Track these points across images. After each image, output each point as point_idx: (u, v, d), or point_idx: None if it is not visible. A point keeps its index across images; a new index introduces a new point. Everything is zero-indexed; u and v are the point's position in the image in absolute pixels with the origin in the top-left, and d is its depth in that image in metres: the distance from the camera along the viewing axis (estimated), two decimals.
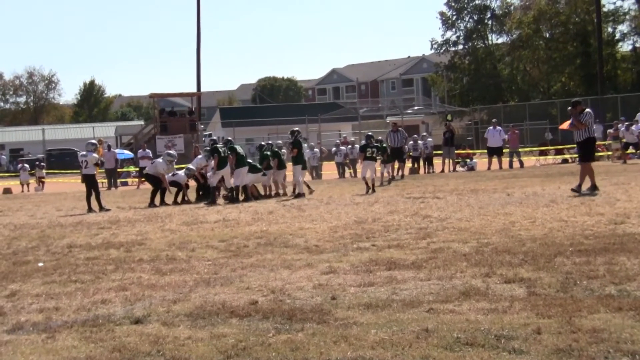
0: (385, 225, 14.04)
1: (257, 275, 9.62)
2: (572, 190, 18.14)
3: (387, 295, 8.02)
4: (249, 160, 24.08)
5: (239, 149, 23.36)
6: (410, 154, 35.16)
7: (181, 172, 24.25)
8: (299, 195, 22.82)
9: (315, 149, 35.03)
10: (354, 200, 20.43)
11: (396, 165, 30.96)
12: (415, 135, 38.14)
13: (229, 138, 26.41)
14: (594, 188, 18.32)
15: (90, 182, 22.40)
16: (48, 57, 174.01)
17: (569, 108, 19.70)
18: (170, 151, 26.12)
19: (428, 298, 7.80)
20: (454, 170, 35.25)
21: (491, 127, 35.19)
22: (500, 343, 6.09)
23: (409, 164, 35.03)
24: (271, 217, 16.97)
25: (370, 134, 25.29)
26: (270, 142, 27.14)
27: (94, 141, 24.15)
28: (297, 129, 25.29)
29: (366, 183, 23.34)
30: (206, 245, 12.74)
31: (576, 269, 8.82)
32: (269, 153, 24.30)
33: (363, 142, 25.36)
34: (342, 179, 33.80)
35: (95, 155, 22.64)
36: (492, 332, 6.38)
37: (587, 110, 19.30)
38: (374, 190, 22.96)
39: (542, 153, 42.71)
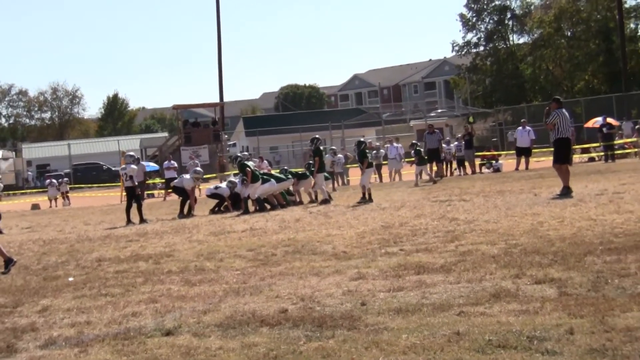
0: (412, 230, 14.00)
1: (286, 283, 9.62)
2: (557, 195, 17.87)
3: (417, 300, 7.99)
4: (274, 172, 24.27)
5: (250, 164, 23.67)
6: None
7: (224, 185, 24.46)
8: (324, 201, 22.81)
9: (340, 155, 34.97)
10: (380, 205, 20.39)
11: (434, 167, 31.38)
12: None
13: (238, 154, 26.61)
14: (567, 190, 17.86)
15: (131, 194, 22.52)
16: (71, 72, 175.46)
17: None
18: (198, 168, 26.32)
19: (458, 301, 7.77)
20: (473, 172, 35.16)
21: (520, 127, 34.99)
22: (532, 344, 6.05)
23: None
24: (298, 225, 16.97)
25: (362, 139, 24.93)
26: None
27: (132, 153, 24.43)
28: (317, 136, 25.30)
29: (364, 192, 22.27)
30: (234, 255, 12.75)
31: (607, 268, 8.76)
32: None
33: (354, 148, 24.60)
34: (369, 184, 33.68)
35: (134, 166, 22.84)
36: (524, 333, 6.33)
37: (558, 110, 18.80)
38: (371, 200, 21.94)
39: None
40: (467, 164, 35.51)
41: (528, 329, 6.47)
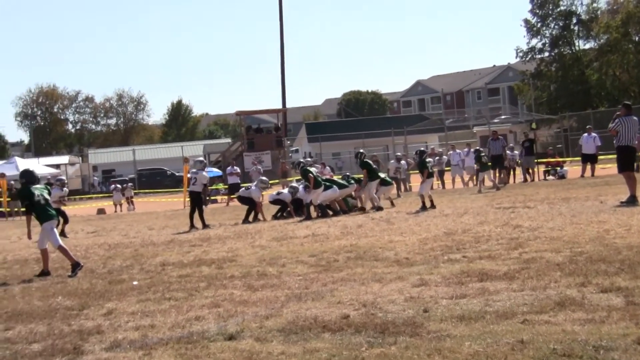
0: (475, 236, 13.88)
1: (348, 289, 9.61)
2: (622, 202, 17.56)
3: (480, 307, 7.91)
4: (336, 179, 24.36)
5: (313, 170, 23.78)
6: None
7: (286, 191, 24.61)
8: (378, 208, 22.85)
9: (402, 162, 34.86)
10: (443, 211, 20.27)
11: (498, 173, 31.36)
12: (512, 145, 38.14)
13: (301, 160, 26.82)
14: (633, 199, 17.49)
15: (195, 199, 22.73)
16: (136, 78, 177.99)
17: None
18: (263, 177, 26.50)
19: (522, 309, 7.67)
20: (532, 179, 34.79)
21: (585, 134, 34.50)
22: (599, 354, 5.95)
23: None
24: (360, 231, 16.95)
25: (422, 148, 24.81)
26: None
27: (202, 159, 24.72)
28: (361, 150, 25.64)
29: (424, 201, 21.97)
30: (296, 261, 12.78)
31: None
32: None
33: (416, 157, 24.53)
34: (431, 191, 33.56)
35: (205, 174, 23.07)
36: (590, 343, 6.23)
37: (625, 117, 18.38)
38: (434, 207, 21.73)
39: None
40: (522, 170, 35.21)
41: (594, 338, 6.36)
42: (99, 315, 9.28)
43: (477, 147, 36.22)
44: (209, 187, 42.08)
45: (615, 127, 18.44)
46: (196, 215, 22.24)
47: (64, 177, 29.92)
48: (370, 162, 24.57)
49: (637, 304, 7.49)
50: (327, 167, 32.90)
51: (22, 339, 8.25)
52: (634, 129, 18.61)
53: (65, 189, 26.11)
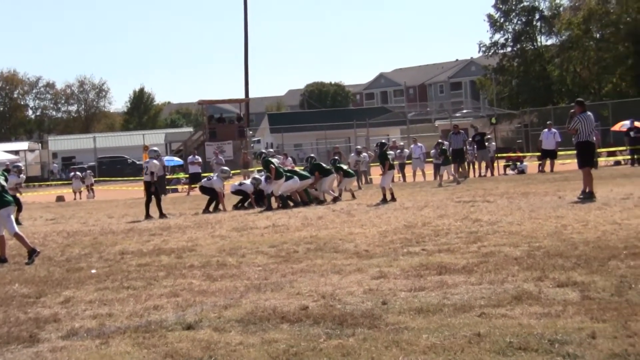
0: (435, 230, 13.96)
1: (307, 280, 9.62)
2: (578, 197, 17.83)
3: (438, 300, 7.96)
4: (297, 169, 24.50)
5: (275, 160, 23.85)
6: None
7: (248, 182, 24.63)
8: (336, 199, 23.36)
9: (364, 154, 34.92)
10: (403, 204, 20.36)
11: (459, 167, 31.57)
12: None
13: (263, 150, 26.93)
14: (590, 195, 17.82)
15: (147, 188, 22.61)
16: (98, 65, 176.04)
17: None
18: (224, 167, 26.44)
19: (480, 302, 7.73)
20: (493, 174, 35.02)
21: (546, 130, 34.79)
22: (554, 348, 6.02)
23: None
24: (321, 223, 16.97)
25: (383, 141, 24.96)
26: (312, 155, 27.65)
27: (155, 148, 24.58)
28: (312, 155, 26.83)
29: (385, 193, 22.10)
30: (256, 251, 12.77)
31: (631, 272, 8.69)
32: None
33: (376, 149, 24.85)
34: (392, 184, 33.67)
35: (155, 162, 22.94)
36: (546, 336, 6.30)
37: (581, 115, 18.59)
38: (394, 199, 21.87)
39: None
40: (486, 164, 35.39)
41: (550, 332, 6.43)
42: (56, 304, 9.20)
43: (439, 140, 36.37)
44: (170, 177, 41.97)
45: (574, 126, 18.62)
46: (153, 204, 22.14)
47: (21, 164, 29.50)
48: (321, 164, 24.66)
49: (593, 299, 7.59)
50: (289, 158, 32.91)
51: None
52: (591, 125, 18.85)
53: (22, 175, 25.77)
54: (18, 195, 23.43)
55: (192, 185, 36.19)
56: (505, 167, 37.13)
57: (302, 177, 23.09)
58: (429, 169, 35.87)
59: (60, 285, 10.47)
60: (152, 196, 22.33)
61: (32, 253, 13.24)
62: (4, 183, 13.83)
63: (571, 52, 67.61)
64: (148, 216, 21.80)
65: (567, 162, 34.22)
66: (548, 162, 33.71)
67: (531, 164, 38.10)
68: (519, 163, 37.09)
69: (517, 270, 9.25)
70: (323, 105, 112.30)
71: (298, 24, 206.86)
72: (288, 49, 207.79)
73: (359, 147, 38.59)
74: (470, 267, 9.72)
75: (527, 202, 18.13)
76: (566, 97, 68.45)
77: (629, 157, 36.40)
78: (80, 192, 41.71)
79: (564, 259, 9.78)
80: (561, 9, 72.57)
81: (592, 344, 6.07)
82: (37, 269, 12.30)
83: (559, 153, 35.05)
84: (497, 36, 73.34)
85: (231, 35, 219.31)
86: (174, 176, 45.77)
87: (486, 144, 34.92)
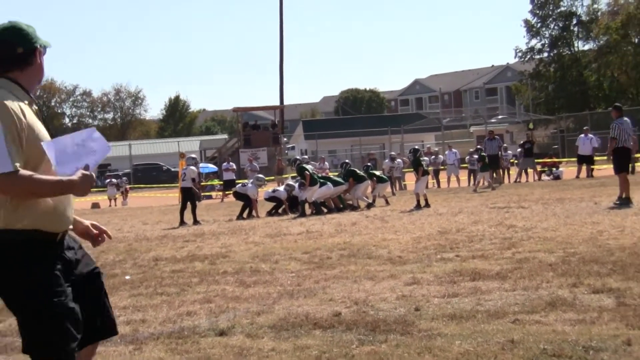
0: (469, 236, 13.89)
1: (340, 286, 9.60)
2: (614, 203, 17.65)
3: (471, 306, 7.90)
4: (331, 176, 24.53)
5: (309, 167, 24.00)
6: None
7: (281, 188, 24.73)
8: (370, 205, 23.41)
9: (398, 160, 34.86)
10: (437, 210, 20.28)
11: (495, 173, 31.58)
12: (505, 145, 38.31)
13: (297, 157, 27.01)
14: (627, 200, 17.65)
15: (186, 195, 22.73)
16: (134, 73, 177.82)
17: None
18: (259, 175, 26.57)
19: (513, 309, 7.66)
20: (527, 180, 34.95)
21: (582, 135, 34.52)
22: (588, 355, 5.94)
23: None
24: (354, 229, 16.95)
25: (417, 147, 25.00)
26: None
27: (194, 155, 24.75)
28: (347, 161, 26.74)
29: (419, 199, 22.11)
30: (289, 257, 12.77)
31: None
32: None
33: (409, 155, 25.00)
34: (426, 190, 33.62)
35: (194, 168, 23.08)
36: (580, 343, 6.22)
37: (617, 121, 18.47)
38: (428, 205, 21.80)
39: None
40: (518, 172, 35.38)
41: (584, 338, 6.35)
42: None
43: (477, 147, 36.26)
44: (204, 183, 42.13)
45: (613, 135, 18.51)
46: (188, 211, 22.24)
47: None
48: (356, 170, 24.72)
49: (628, 305, 7.49)
50: (326, 163, 33.08)
51: (12, 332, 8.22)
52: (627, 130, 18.69)
53: None
54: None
55: (226, 192, 36.32)
56: (541, 172, 36.93)
57: (335, 184, 23.10)
58: (464, 175, 35.74)
59: None
60: (187, 203, 22.43)
61: None
62: None
63: (609, 57, 67.06)
64: (182, 223, 21.89)
65: (604, 168, 33.91)
66: (584, 167, 33.45)
67: (567, 169, 37.80)
68: (554, 169, 36.84)
69: (552, 277, 9.17)
70: (358, 112, 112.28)
71: (333, 31, 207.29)
72: (323, 56, 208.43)
73: (392, 153, 38.56)
74: (504, 273, 9.64)
75: (563, 208, 17.99)
76: (603, 102, 67.94)
77: None
78: (115, 199, 42.02)
79: (599, 265, 9.67)
80: (599, 13, 72.06)
81: (627, 351, 5.98)
82: None
83: (596, 159, 34.75)
84: (533, 41, 73.13)
85: (266, 42, 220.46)
86: (209, 183, 45.94)
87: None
